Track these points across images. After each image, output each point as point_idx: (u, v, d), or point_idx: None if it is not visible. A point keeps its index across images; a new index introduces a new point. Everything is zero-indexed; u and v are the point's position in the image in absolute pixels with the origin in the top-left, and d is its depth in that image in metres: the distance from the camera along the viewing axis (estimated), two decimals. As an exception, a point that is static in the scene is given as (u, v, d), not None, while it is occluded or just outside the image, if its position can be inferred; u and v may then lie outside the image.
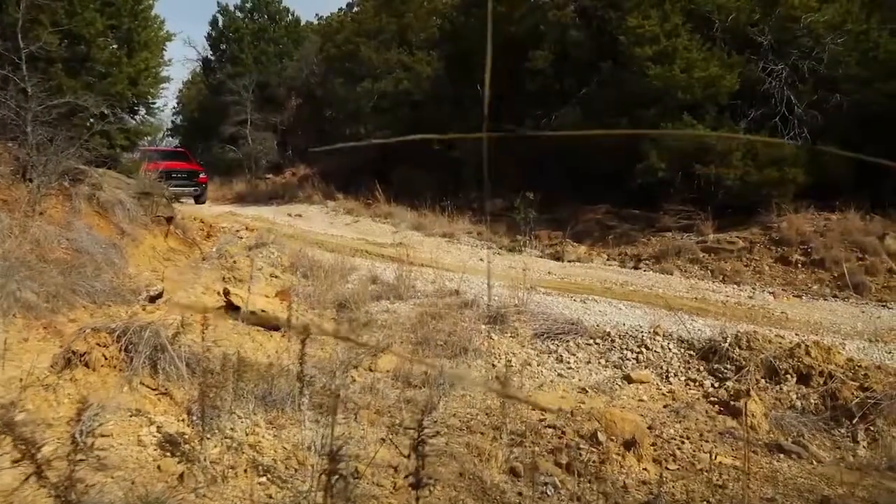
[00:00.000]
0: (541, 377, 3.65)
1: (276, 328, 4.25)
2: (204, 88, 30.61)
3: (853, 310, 6.41)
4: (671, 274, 8.86)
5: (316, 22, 27.97)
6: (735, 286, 8.00)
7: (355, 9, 22.74)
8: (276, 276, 6.40)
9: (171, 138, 36.14)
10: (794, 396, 3.25)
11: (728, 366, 3.53)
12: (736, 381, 3.42)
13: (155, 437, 2.20)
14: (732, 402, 3.15)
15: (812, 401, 3.19)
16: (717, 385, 3.51)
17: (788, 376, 3.33)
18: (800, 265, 8.71)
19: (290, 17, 28.35)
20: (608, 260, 10.10)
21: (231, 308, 4.50)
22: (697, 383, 3.56)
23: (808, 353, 3.34)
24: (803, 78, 10.49)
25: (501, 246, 10.67)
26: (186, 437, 2.09)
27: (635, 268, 9.46)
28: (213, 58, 29.21)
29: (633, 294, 6.40)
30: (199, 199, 17.97)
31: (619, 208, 11.92)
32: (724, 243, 9.54)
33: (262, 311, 4.24)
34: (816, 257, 8.66)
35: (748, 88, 10.68)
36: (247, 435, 2.26)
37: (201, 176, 18.19)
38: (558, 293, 5.90)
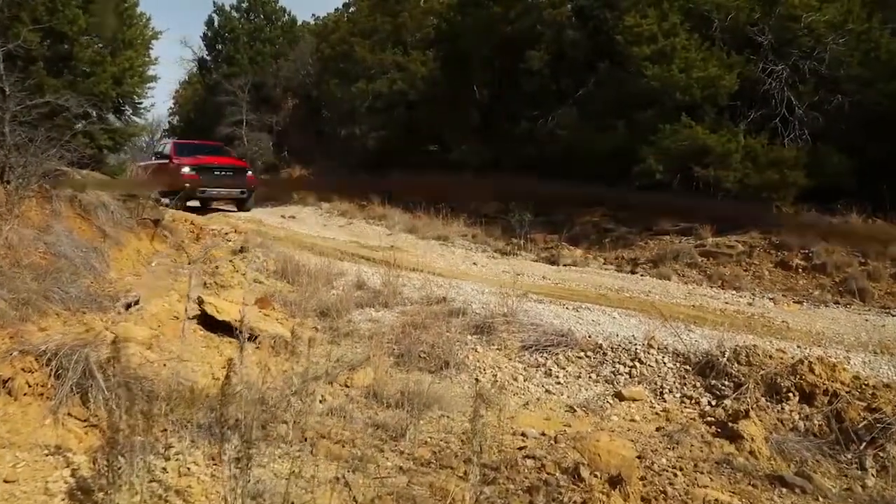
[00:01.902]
0: (527, 394, 3.43)
1: (252, 338, 4.04)
2: (200, 89, 30.40)
3: (856, 318, 6.19)
4: (669, 279, 8.65)
5: (313, 22, 27.78)
6: (734, 292, 7.79)
7: (351, 9, 22.56)
8: (260, 282, 6.19)
9: (167, 139, 35.95)
10: (797, 417, 3.02)
11: (726, 382, 3.31)
12: (735, 399, 3.20)
13: (67, 482, 1.97)
14: (731, 424, 2.93)
15: (816, 422, 2.98)
16: (714, 403, 3.28)
17: (790, 395, 3.11)
18: (800, 270, 8.51)
19: (287, 17, 28.14)
20: (605, 264, 9.89)
21: (206, 317, 4.29)
22: (693, 401, 3.33)
23: (811, 370, 3.12)
24: (804, 78, 10.30)
25: (496, 249, 10.46)
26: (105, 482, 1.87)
27: (632, 272, 9.25)
28: (208, 58, 29.02)
29: (628, 301, 6.18)
30: (243, 206, 14.61)
31: (616, 211, 11.72)
32: (723, 247, 9.33)
33: (237, 320, 4.03)
34: (818, 262, 8.45)
35: (748, 89, 10.50)
36: (179, 476, 2.03)
37: (249, 174, 14.62)
38: (551, 300, 5.69)
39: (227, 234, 10.62)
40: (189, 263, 7.98)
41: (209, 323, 4.16)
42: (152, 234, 8.76)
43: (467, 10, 15.44)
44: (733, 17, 10.64)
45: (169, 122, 35.37)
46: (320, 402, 2.87)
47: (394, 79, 16.36)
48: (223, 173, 13.96)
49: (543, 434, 2.79)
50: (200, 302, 4.16)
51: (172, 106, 35.49)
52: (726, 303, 6.85)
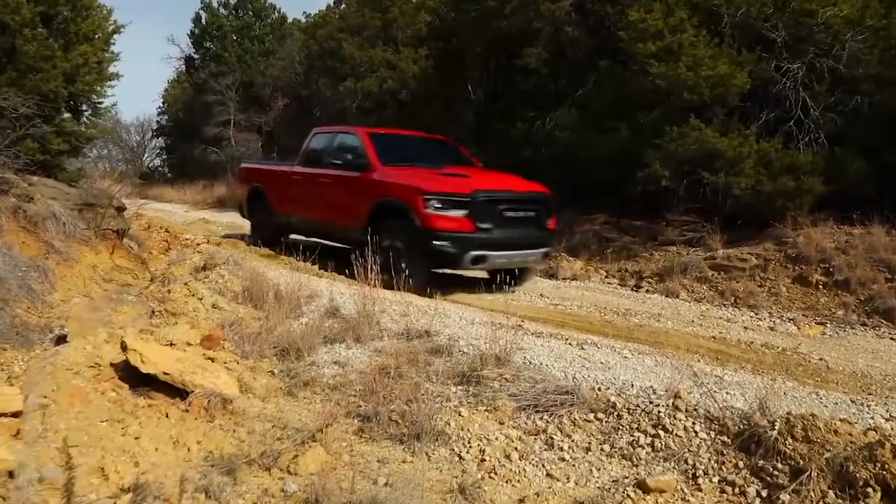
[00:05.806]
0: (523, 481, 2.67)
1: (185, 394, 3.27)
2: (188, 88, 29.64)
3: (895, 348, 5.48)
4: (677, 296, 7.94)
5: (303, 20, 27.05)
6: (751, 312, 7.08)
7: (342, 6, 21.84)
8: (220, 308, 5.40)
9: (157, 139, 35.19)
10: (882, 524, 2.32)
11: (779, 465, 2.57)
12: (793, 492, 2.47)
13: None
14: (798, 541, 2.20)
15: (909, 533, 2.27)
16: (765, 495, 2.54)
17: (869, 489, 2.39)
18: (821, 286, 7.80)
19: (276, 14, 27.42)
20: (607, 277, 9.17)
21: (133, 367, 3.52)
22: (738, 490, 2.56)
23: (894, 455, 2.41)
24: (820, 78, 9.60)
25: (489, 261, 9.69)
26: None
27: (636, 287, 8.54)
28: (196, 56, 28.28)
29: (638, 331, 5.44)
30: (521, 277, 7.33)
31: (619, 218, 11.03)
32: (735, 260, 8.62)
33: (165, 373, 3.27)
34: (839, 278, 7.75)
35: (760, 89, 9.80)
36: None
37: (552, 216, 7.68)
38: (550, 332, 4.95)
39: (199, 244, 9.86)
40: (151, 281, 7.21)
41: (138, 375, 3.38)
42: (112, 245, 7.99)
43: (460, 6, 14.70)
44: (744, 12, 9.94)
45: (157, 122, 34.64)
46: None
47: (383, 77, 15.62)
48: (518, 213, 6.93)
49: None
50: (124, 347, 3.39)
51: (161, 105, 34.73)
52: (746, 327, 6.13)
